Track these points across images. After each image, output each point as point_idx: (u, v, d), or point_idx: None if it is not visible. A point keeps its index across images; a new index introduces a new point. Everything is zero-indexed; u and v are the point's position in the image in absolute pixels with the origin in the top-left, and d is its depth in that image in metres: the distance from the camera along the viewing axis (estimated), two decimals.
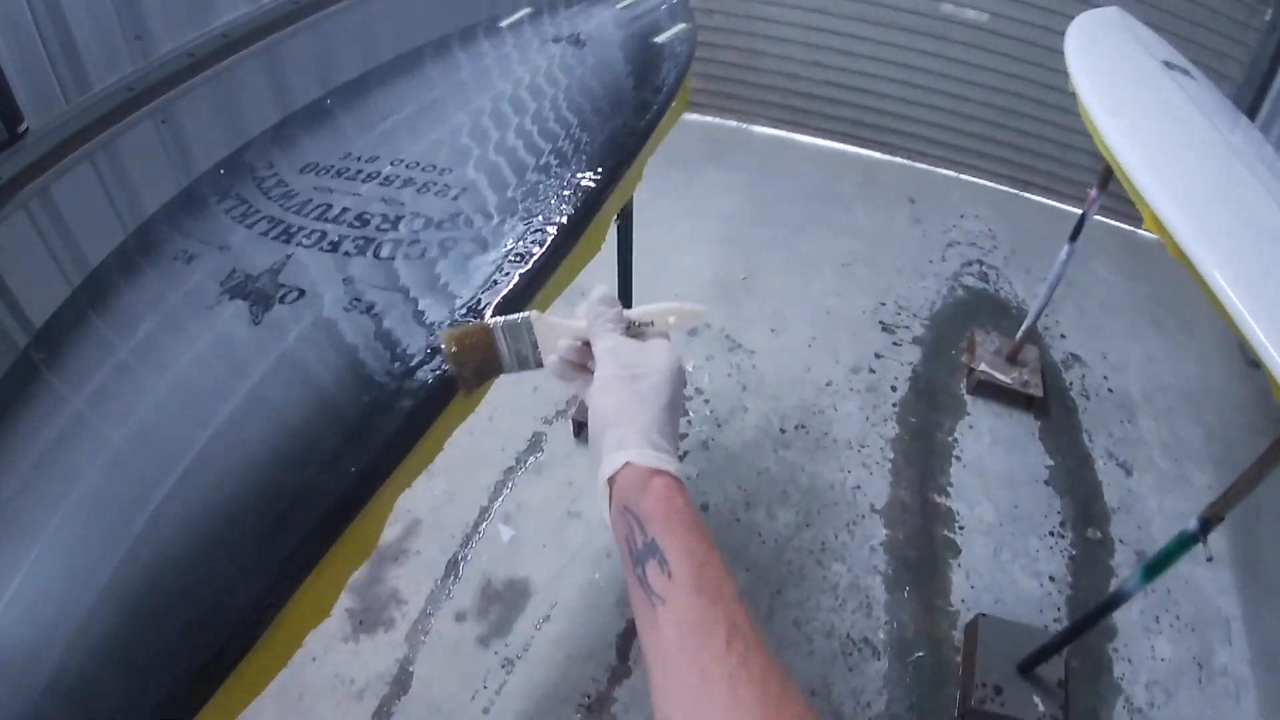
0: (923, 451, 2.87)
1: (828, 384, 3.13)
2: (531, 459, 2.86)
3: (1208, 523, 1.50)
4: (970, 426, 2.97)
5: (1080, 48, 2.34)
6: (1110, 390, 3.16)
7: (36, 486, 0.92)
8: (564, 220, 1.27)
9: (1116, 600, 1.74)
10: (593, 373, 0.76)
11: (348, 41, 2.84)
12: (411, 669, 2.28)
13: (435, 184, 1.35)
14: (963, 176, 4.47)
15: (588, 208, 1.32)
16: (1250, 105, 3.64)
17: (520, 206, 1.30)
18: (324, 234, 1.23)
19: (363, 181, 1.37)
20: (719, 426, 2.94)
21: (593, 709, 2.20)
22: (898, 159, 4.60)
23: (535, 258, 1.19)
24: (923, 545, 2.57)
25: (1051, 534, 2.62)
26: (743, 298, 3.56)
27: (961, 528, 2.62)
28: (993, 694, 2.12)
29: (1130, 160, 1.79)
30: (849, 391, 3.10)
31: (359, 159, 1.43)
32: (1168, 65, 2.28)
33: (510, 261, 1.17)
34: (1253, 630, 2.43)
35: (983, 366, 3.04)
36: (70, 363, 1.09)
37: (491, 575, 2.51)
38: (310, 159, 1.46)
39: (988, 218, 4.14)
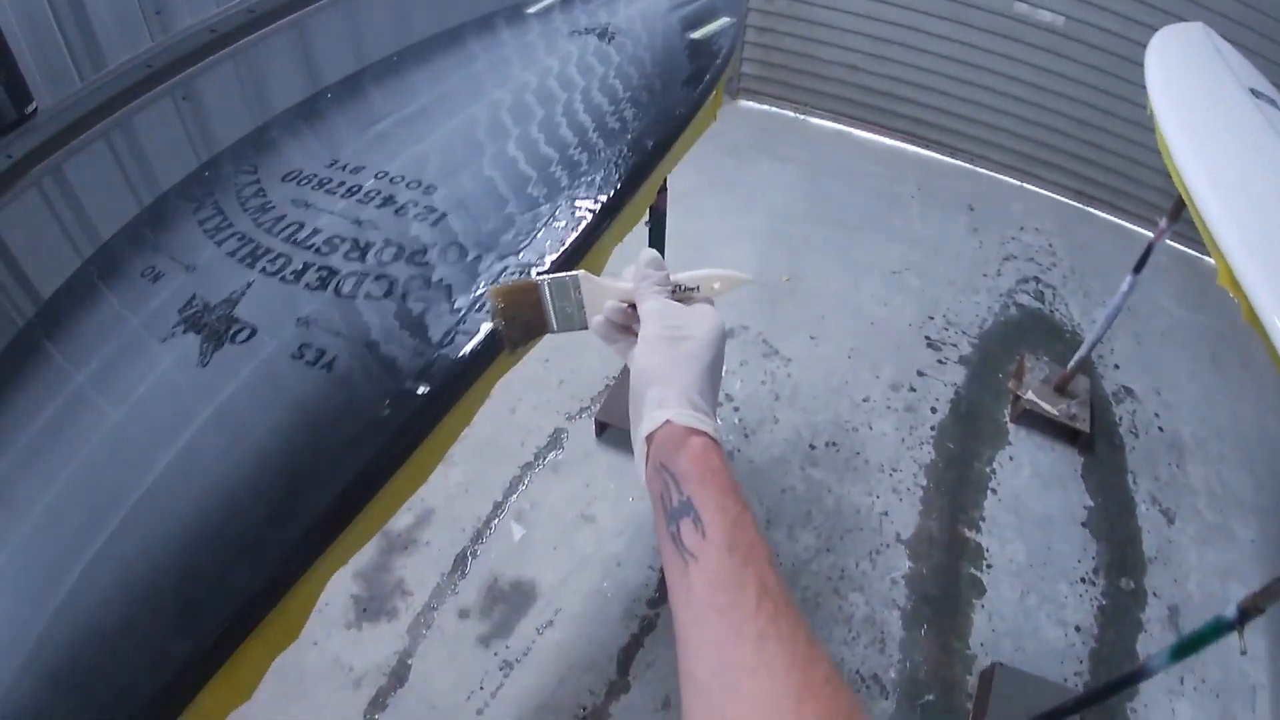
0: (957, 481, 2.82)
1: (865, 400, 3.09)
2: (550, 456, 2.88)
3: (1246, 613, 1.44)
4: (1010, 458, 2.91)
5: (1161, 67, 2.23)
6: (1160, 429, 3.08)
7: None
8: (558, 255, 1.18)
9: (1140, 675, 1.70)
10: (636, 335, 0.77)
11: (382, 17, 2.81)
12: (410, 662, 2.32)
13: (417, 204, 1.28)
14: (1026, 186, 4.37)
15: (590, 236, 1.25)
16: None
17: (504, 240, 1.22)
18: (289, 260, 1.17)
19: (342, 197, 1.30)
20: (746, 437, 2.92)
21: None
22: (959, 162, 4.51)
23: None
24: (946, 582, 2.54)
25: (1083, 580, 2.57)
26: (785, 300, 3.52)
27: (989, 566, 2.58)
28: None
29: (1209, 206, 1.68)
30: (886, 410, 3.05)
31: (344, 167, 1.38)
32: (1255, 94, 2.17)
33: (476, 311, 1.09)
34: (1278, 701, 2.38)
35: (1029, 395, 2.98)
36: (22, 394, 1.07)
37: (499, 574, 2.53)
38: (295, 165, 1.41)
39: (1049, 232, 4.04)
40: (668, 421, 0.67)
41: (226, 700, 0.85)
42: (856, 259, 3.77)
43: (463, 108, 1.61)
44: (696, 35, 1.90)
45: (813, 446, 2.89)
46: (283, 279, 1.13)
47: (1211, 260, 1.68)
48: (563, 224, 1.24)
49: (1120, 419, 3.11)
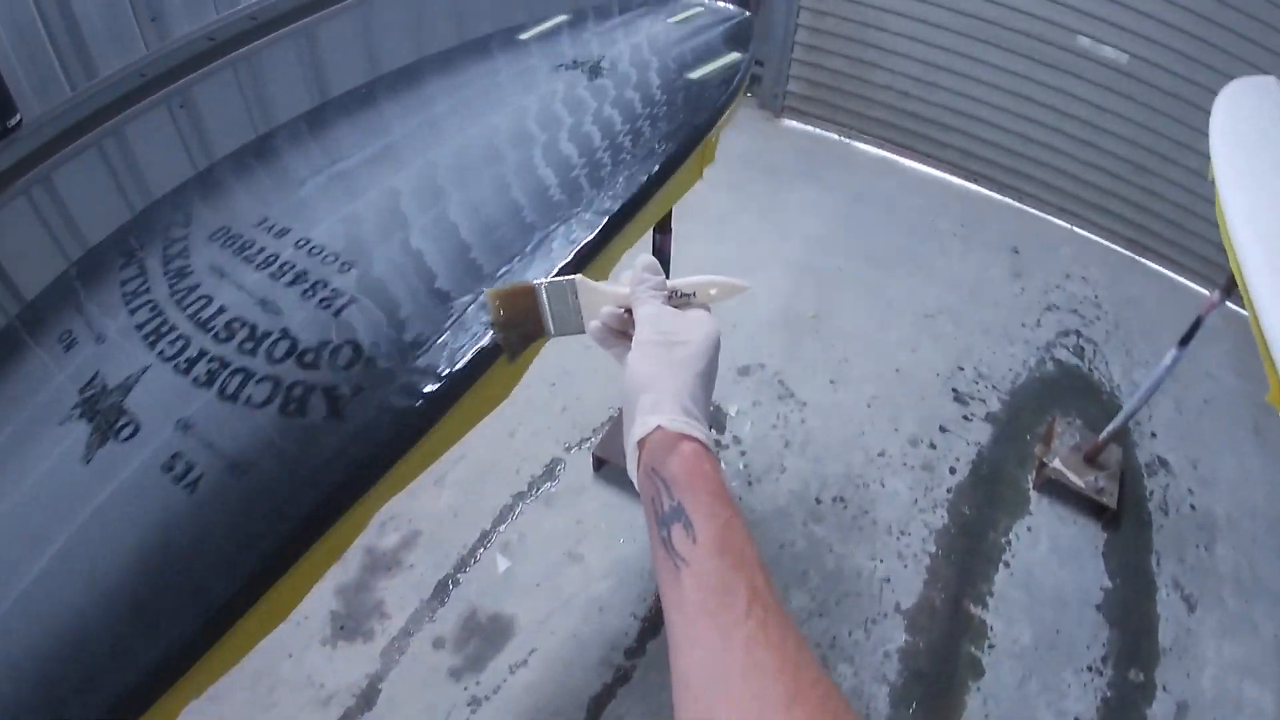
0: (968, 550, 2.75)
1: (880, 454, 3.02)
2: (545, 487, 2.87)
3: None
4: (1029, 529, 2.83)
5: (1227, 129, 2.09)
6: (1193, 507, 2.98)
7: None
8: (464, 363, 1.12)
9: None
10: (632, 339, 0.79)
11: (390, 26, 2.81)
12: (381, 687, 2.34)
13: (325, 285, 1.22)
14: (1076, 230, 4.26)
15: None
16: None
17: (406, 338, 1.15)
18: (187, 344, 1.14)
19: (258, 268, 1.25)
20: (750, 485, 2.87)
21: None
22: (1006, 199, 4.41)
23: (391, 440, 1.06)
24: (943, 659, 2.47)
25: (1090, 669, 2.49)
26: (807, 337, 3.47)
27: (991, 646, 2.51)
28: None
29: (1268, 311, 1.54)
30: (902, 466, 2.99)
31: (271, 229, 1.34)
32: None
33: (368, 436, 1.03)
34: None
35: (1056, 463, 2.89)
36: None
37: (478, 606, 2.53)
38: (225, 220, 1.37)
39: (1096, 281, 3.93)
40: (660, 427, 0.70)
41: None
42: (889, 298, 3.70)
43: (415, 156, 1.56)
44: (696, 76, 1.83)
45: (819, 500, 2.84)
46: (176, 367, 1.11)
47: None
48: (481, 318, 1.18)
49: (1151, 493, 3.01)
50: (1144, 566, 2.78)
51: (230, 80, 2.31)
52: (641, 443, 0.71)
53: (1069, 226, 4.27)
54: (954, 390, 3.30)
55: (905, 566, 2.68)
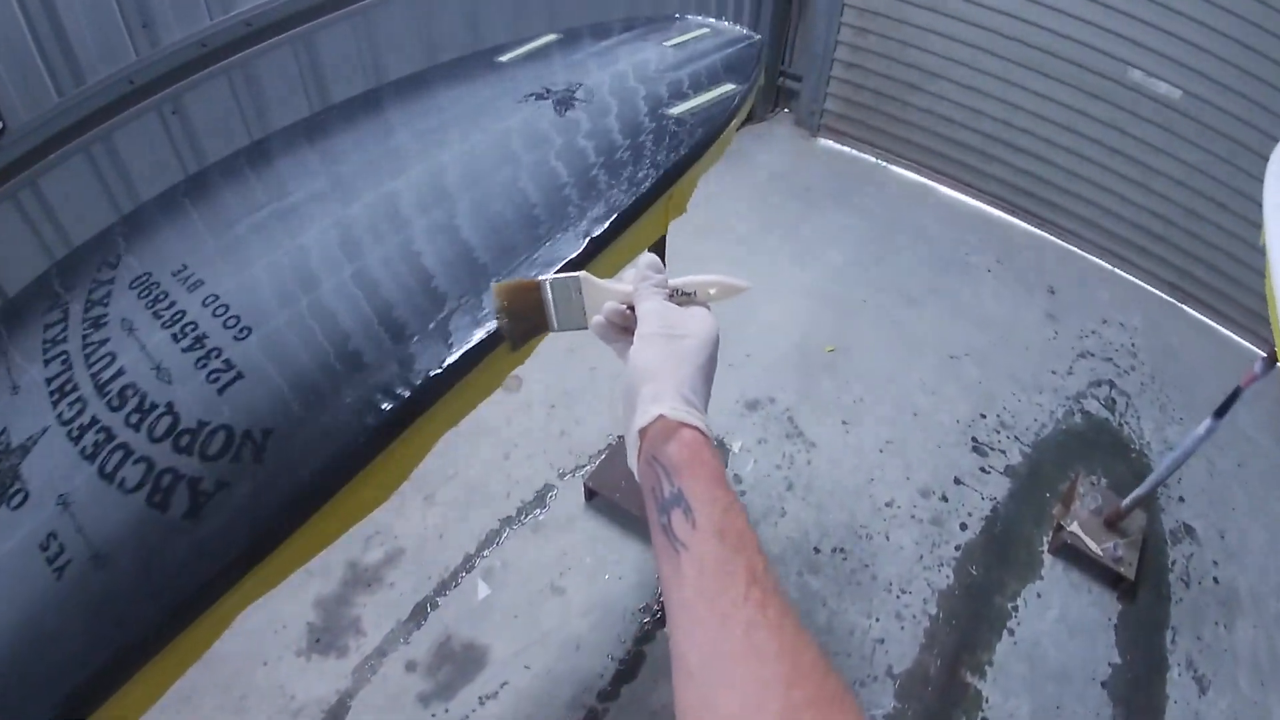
0: (972, 614, 2.68)
1: (888, 504, 2.96)
2: (533, 514, 2.86)
3: None
4: (1038, 595, 2.76)
5: None
6: (1216, 580, 2.89)
7: None
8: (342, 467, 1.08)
9: None
10: (633, 335, 0.82)
11: (390, 34, 2.78)
12: (350, 704, 2.37)
13: (218, 355, 1.17)
14: (1117, 271, 4.16)
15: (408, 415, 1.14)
16: None
17: (282, 419, 1.09)
18: (83, 408, 1.12)
19: (164, 325, 1.22)
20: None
21: None
22: (1046, 235, 4.32)
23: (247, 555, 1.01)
24: None
25: None
26: (822, 373, 3.41)
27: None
28: None
29: None
30: (909, 519, 2.93)
31: (186, 279, 1.30)
32: None
33: (220, 546, 0.99)
34: None
35: (1074, 526, 2.81)
36: None
37: (454, 632, 2.54)
38: (149, 265, 1.34)
39: (1134, 328, 3.84)
40: (661, 416, 0.72)
41: None
42: (913, 335, 3.64)
43: (357, 195, 1.50)
44: (679, 111, 1.72)
45: (817, 550, 2.79)
46: (70, 434, 1.09)
47: None
48: (383, 406, 1.12)
49: (1173, 563, 2.92)
50: (1157, 643, 2.69)
51: (223, 88, 2.31)
52: (643, 432, 0.74)
53: (1110, 267, 4.17)
54: (973, 439, 3.23)
55: (902, 628, 2.62)
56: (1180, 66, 3.57)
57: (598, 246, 1.38)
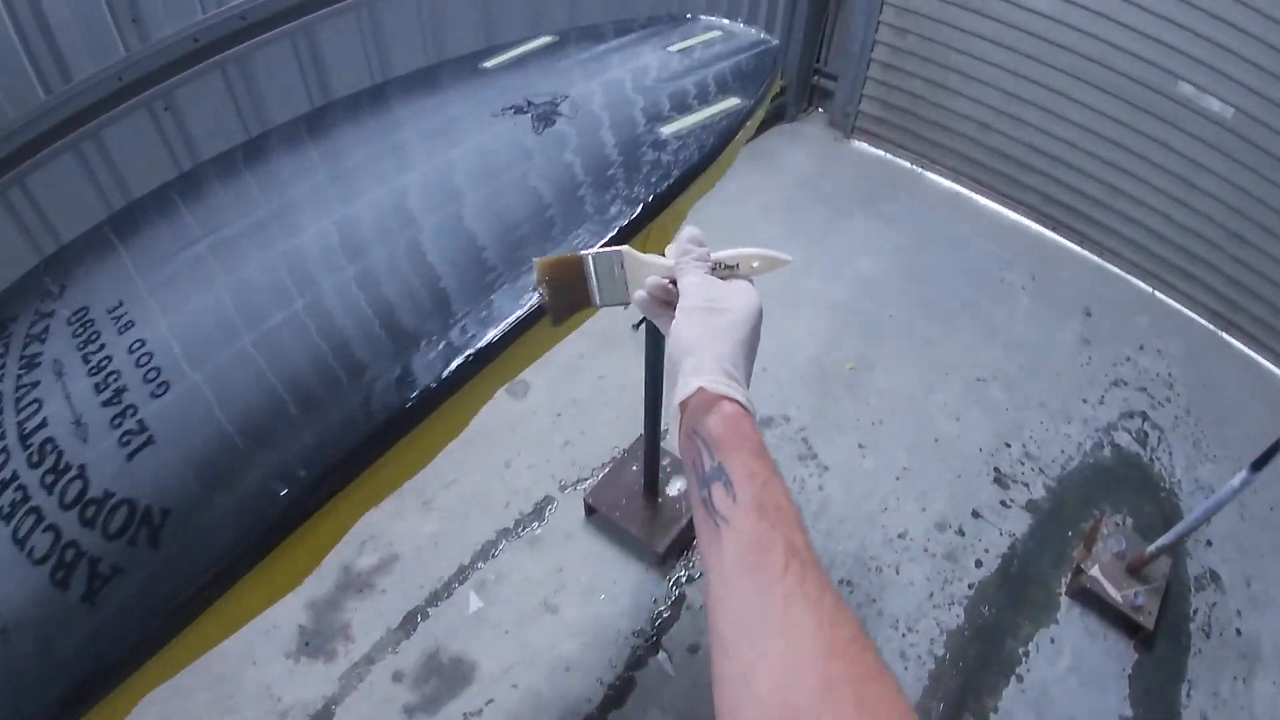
0: (980, 657, 2.64)
1: (900, 535, 2.92)
2: (531, 527, 2.85)
3: None
4: (1052, 640, 2.71)
5: None
6: (1238, 632, 2.82)
7: None
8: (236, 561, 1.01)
9: None
10: (675, 309, 0.85)
11: (398, 28, 2.75)
12: (335, 710, 2.39)
13: (133, 414, 1.11)
14: (1157, 294, 4.06)
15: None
16: None
17: (191, 502, 1.02)
18: (6, 460, 1.08)
19: (90, 373, 1.16)
20: None
21: None
22: (1085, 253, 4.23)
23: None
24: None
25: None
26: (841, 392, 3.37)
27: None
28: None
29: None
30: (922, 553, 2.88)
31: (119, 319, 1.24)
32: None
33: (111, 637, 0.93)
34: None
35: (1095, 570, 2.75)
36: None
37: (443, 645, 2.55)
38: (87, 299, 1.27)
39: (1172, 357, 3.75)
40: (701, 389, 0.74)
41: None
42: (939, 356, 3.58)
43: (302, 227, 1.40)
44: (670, 130, 1.57)
45: None
46: None
47: None
48: (291, 488, 1.05)
49: (1195, 612, 2.86)
50: (1172, 696, 2.63)
51: (218, 84, 2.29)
52: (683, 405, 0.76)
53: (1150, 290, 4.08)
54: (996, 470, 3.18)
55: (905, 669, 2.58)
56: (1234, 83, 3.47)
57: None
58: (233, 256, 1.38)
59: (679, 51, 1.88)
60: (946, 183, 4.54)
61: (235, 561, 1.00)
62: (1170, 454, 3.35)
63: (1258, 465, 2.28)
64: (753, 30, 1.99)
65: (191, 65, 2.16)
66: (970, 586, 2.82)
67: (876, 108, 4.61)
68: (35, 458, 1.08)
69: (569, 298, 0.91)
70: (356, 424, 1.10)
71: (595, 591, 2.69)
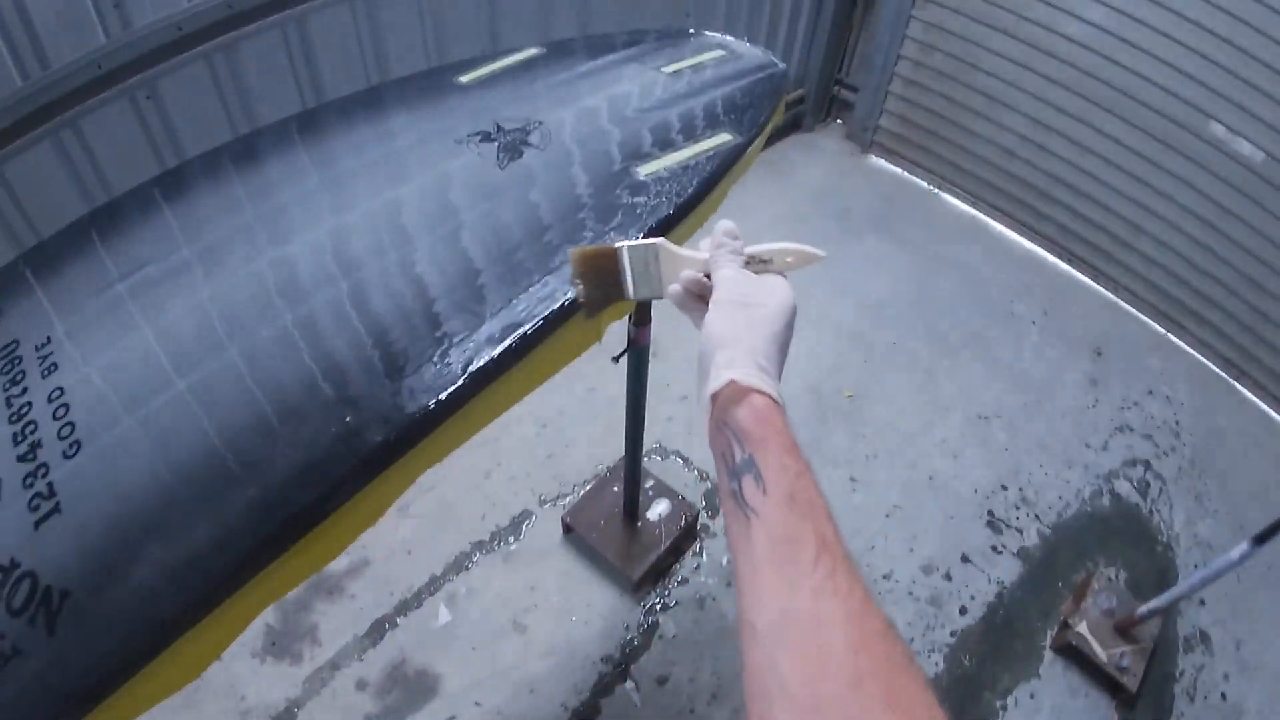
0: (956, 709, 2.60)
1: (885, 576, 2.90)
2: (506, 542, 2.84)
3: None
4: (1031, 695, 2.68)
5: None
6: (1224, 696, 2.78)
7: None
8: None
9: None
10: (709, 303, 0.86)
11: (395, 19, 2.71)
12: (297, 713, 2.40)
13: (43, 474, 1.04)
14: (1170, 336, 4.01)
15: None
16: None
17: (89, 584, 0.96)
18: None
19: (9, 420, 1.09)
20: (728, 586, 2.77)
21: None
22: (1100, 288, 4.18)
23: None
24: None
25: None
26: (837, 422, 3.34)
27: None
28: None
29: None
30: (906, 596, 2.86)
31: (45, 358, 1.16)
32: None
33: None
34: None
35: (1082, 627, 2.72)
36: None
37: (409, 656, 2.55)
38: (18, 332, 1.20)
39: (1181, 403, 3.71)
40: (732, 381, 0.75)
41: None
42: (941, 389, 3.55)
43: (232, 268, 1.32)
44: (649, 171, 1.46)
45: None
46: None
47: None
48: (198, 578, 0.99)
49: (1181, 673, 2.83)
50: None
51: (203, 74, 2.26)
52: (714, 397, 0.77)
53: (1163, 331, 4.03)
54: (989, 513, 3.15)
55: None
56: (1266, 127, 3.42)
57: (499, 366, 1.21)
58: (156, 298, 1.29)
59: (671, 74, 1.77)
60: (963, 206, 4.49)
61: (130, 660, 0.94)
62: (1171, 506, 3.31)
63: (1260, 540, 2.24)
64: (758, 51, 1.88)
65: (175, 54, 2.13)
66: (952, 634, 2.79)
67: (896, 124, 4.56)
68: None
69: (604, 290, 0.93)
70: (265, 511, 1.03)
71: (567, 613, 2.68)
